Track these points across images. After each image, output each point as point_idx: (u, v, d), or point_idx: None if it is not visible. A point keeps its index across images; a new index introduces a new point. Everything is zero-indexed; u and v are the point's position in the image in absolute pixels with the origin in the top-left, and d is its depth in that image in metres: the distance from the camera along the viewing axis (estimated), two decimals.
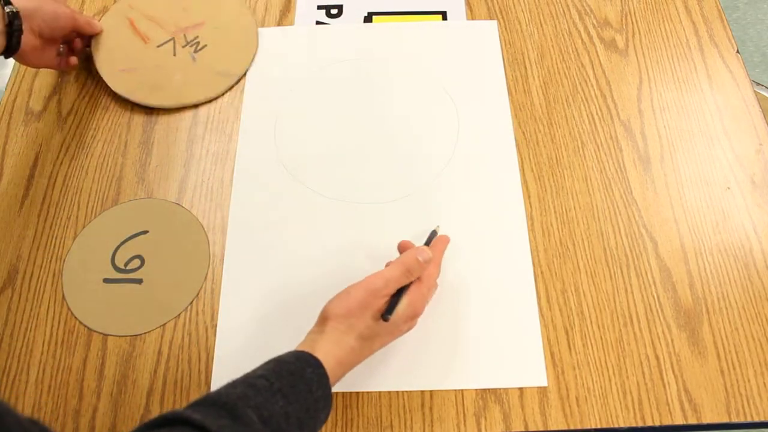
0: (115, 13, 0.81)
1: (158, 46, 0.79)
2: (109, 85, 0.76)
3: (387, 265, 0.56)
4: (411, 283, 0.54)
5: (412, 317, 0.54)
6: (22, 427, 0.31)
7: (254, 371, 0.47)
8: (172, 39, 0.80)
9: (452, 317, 0.61)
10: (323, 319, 0.52)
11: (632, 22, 0.81)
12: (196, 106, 0.76)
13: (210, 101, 0.76)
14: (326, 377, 0.48)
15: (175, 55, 0.79)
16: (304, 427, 0.45)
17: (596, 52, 0.78)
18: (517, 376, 0.58)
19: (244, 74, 0.78)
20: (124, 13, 0.81)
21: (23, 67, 0.79)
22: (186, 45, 0.79)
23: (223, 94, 0.76)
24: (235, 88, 0.77)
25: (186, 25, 0.81)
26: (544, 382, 0.58)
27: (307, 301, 0.59)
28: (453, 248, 0.64)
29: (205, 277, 0.64)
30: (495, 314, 0.61)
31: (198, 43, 0.80)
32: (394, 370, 0.59)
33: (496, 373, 0.58)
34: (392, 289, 0.53)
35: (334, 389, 0.56)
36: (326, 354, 0.49)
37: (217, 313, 0.62)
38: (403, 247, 0.59)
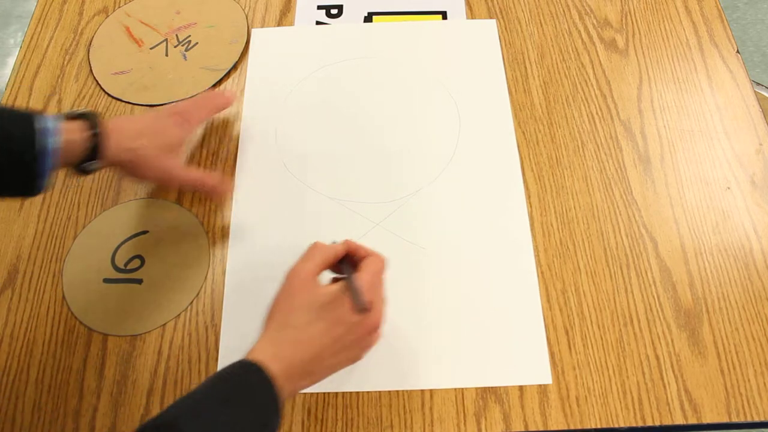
0: (112, 21, 0.83)
1: (151, 48, 0.80)
2: (103, 87, 0.78)
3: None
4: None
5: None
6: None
7: (196, 388, 0.45)
8: (165, 40, 0.81)
9: (455, 316, 0.61)
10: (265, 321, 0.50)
11: (632, 22, 0.81)
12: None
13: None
14: (269, 381, 0.44)
15: (167, 55, 0.80)
16: None
17: (596, 52, 0.78)
18: (520, 374, 0.58)
19: (233, 67, 0.78)
20: (121, 21, 0.83)
21: (23, 67, 0.79)
22: (178, 45, 0.81)
23: (211, 88, 0.77)
24: (235, 88, 0.77)
25: (179, 25, 0.82)
26: (548, 380, 0.58)
27: None
28: (455, 247, 0.64)
29: (205, 277, 0.64)
30: (498, 313, 0.61)
31: (189, 41, 0.81)
32: (394, 369, 0.59)
33: (499, 371, 0.58)
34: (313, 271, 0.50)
35: (335, 389, 0.56)
36: (265, 354, 0.46)
37: (218, 313, 0.62)
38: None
